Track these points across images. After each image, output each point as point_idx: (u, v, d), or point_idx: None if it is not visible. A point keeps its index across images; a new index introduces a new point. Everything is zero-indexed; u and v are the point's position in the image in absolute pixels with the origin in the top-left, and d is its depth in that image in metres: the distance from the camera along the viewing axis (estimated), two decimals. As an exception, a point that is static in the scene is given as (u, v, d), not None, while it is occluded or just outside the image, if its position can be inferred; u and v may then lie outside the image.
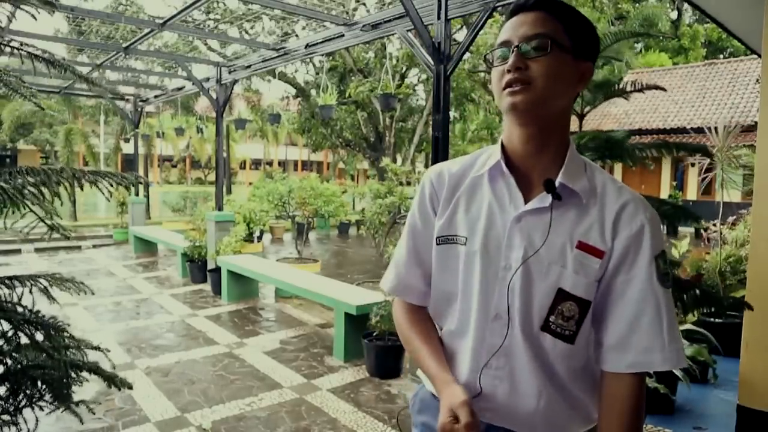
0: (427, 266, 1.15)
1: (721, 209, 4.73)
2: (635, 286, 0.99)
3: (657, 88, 2.39)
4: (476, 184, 1.10)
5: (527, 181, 1.05)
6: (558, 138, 1.05)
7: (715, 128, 4.68)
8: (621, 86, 2.39)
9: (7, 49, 1.70)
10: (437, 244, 1.11)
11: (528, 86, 0.97)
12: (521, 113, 1.00)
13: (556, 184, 1.00)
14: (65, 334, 1.90)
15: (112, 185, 1.85)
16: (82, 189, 1.82)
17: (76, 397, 1.98)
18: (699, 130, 14.73)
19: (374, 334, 4.12)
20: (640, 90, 2.36)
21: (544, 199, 1.01)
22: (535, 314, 1.01)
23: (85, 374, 1.98)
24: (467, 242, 1.06)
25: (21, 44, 1.67)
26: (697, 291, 2.19)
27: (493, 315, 1.03)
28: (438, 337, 1.14)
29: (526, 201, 1.03)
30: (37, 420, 1.95)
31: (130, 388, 2.04)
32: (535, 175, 1.05)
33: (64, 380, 1.82)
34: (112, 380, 1.96)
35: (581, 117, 2.49)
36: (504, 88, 1.00)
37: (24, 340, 1.82)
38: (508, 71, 0.99)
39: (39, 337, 1.79)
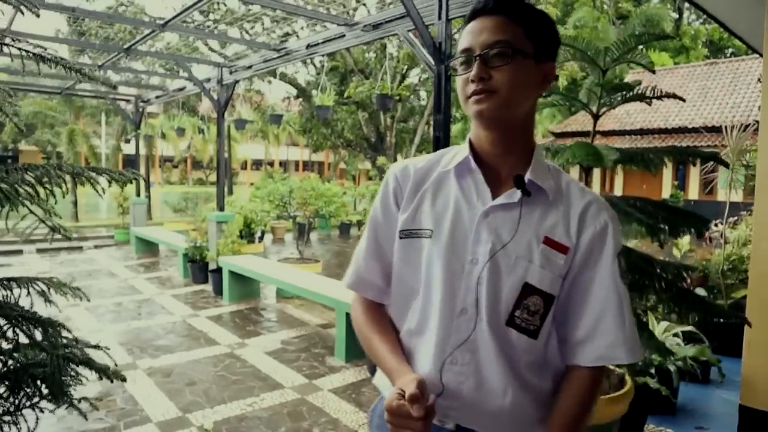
0: (386, 261, 1.14)
1: (727, 209, 4.71)
2: (600, 283, 1.03)
3: (676, 97, 2.35)
4: (442, 179, 1.10)
5: (494, 178, 1.07)
6: (523, 139, 1.08)
7: (730, 127, 4.63)
8: (639, 91, 2.36)
9: (12, 50, 1.69)
10: (400, 238, 1.10)
11: (493, 94, 0.99)
12: (487, 120, 1.03)
13: (525, 180, 1.02)
14: (63, 331, 1.90)
15: (110, 182, 1.85)
16: (82, 185, 1.82)
17: (78, 397, 1.98)
18: (706, 129, 14.72)
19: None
20: (659, 97, 2.32)
21: (512, 195, 1.03)
22: (501, 308, 1.01)
23: (85, 373, 1.98)
24: (432, 235, 1.06)
25: (20, 41, 1.67)
26: (693, 299, 2.19)
27: (459, 309, 1.02)
28: (396, 334, 1.13)
29: (494, 197, 1.05)
30: (37, 420, 1.96)
31: (124, 380, 2.03)
32: (502, 172, 1.07)
33: (62, 377, 1.82)
34: (104, 373, 1.95)
35: (596, 117, 2.48)
36: (469, 97, 1.02)
37: (23, 339, 1.83)
38: (472, 81, 1.00)
39: (37, 335, 1.80)
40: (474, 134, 1.09)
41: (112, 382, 2.01)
